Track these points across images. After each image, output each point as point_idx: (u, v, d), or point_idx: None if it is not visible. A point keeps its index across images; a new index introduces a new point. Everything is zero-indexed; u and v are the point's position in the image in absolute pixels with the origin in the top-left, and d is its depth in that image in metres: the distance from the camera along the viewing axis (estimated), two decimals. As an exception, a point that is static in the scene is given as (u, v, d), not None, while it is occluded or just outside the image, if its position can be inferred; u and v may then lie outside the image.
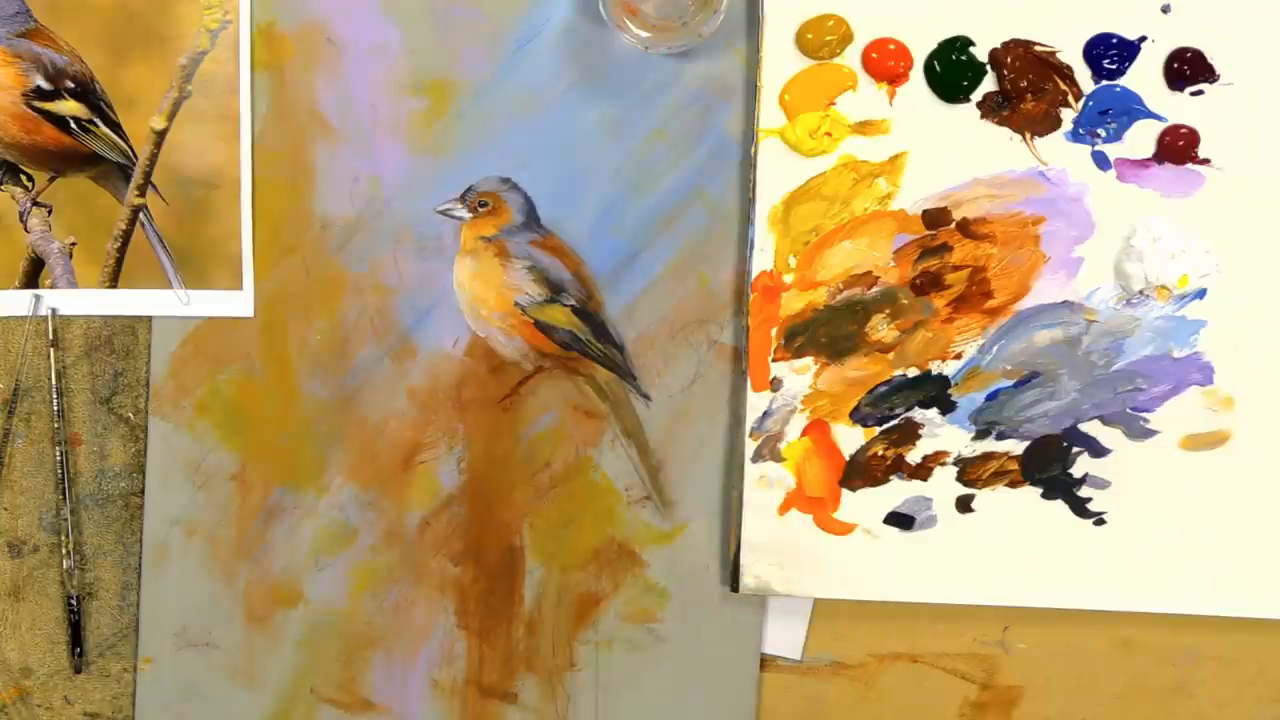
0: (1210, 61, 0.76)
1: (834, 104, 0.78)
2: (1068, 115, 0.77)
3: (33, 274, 0.81)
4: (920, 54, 0.77)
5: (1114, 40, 0.76)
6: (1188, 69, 0.76)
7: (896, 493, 0.80)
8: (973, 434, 0.79)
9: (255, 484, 0.82)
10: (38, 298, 0.81)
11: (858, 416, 0.80)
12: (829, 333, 0.79)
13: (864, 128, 0.78)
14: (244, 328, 0.81)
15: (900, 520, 0.80)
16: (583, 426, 0.81)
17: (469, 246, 0.80)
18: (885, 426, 0.80)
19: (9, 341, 0.81)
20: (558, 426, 0.81)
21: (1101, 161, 0.77)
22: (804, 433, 0.80)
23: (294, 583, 0.82)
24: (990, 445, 0.79)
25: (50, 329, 0.81)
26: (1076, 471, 0.79)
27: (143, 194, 0.80)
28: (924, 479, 0.80)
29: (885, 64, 0.77)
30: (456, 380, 0.81)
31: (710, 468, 0.81)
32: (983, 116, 0.77)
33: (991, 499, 0.80)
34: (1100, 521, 0.80)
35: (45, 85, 0.79)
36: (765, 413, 0.80)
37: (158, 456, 0.81)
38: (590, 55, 0.79)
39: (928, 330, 0.79)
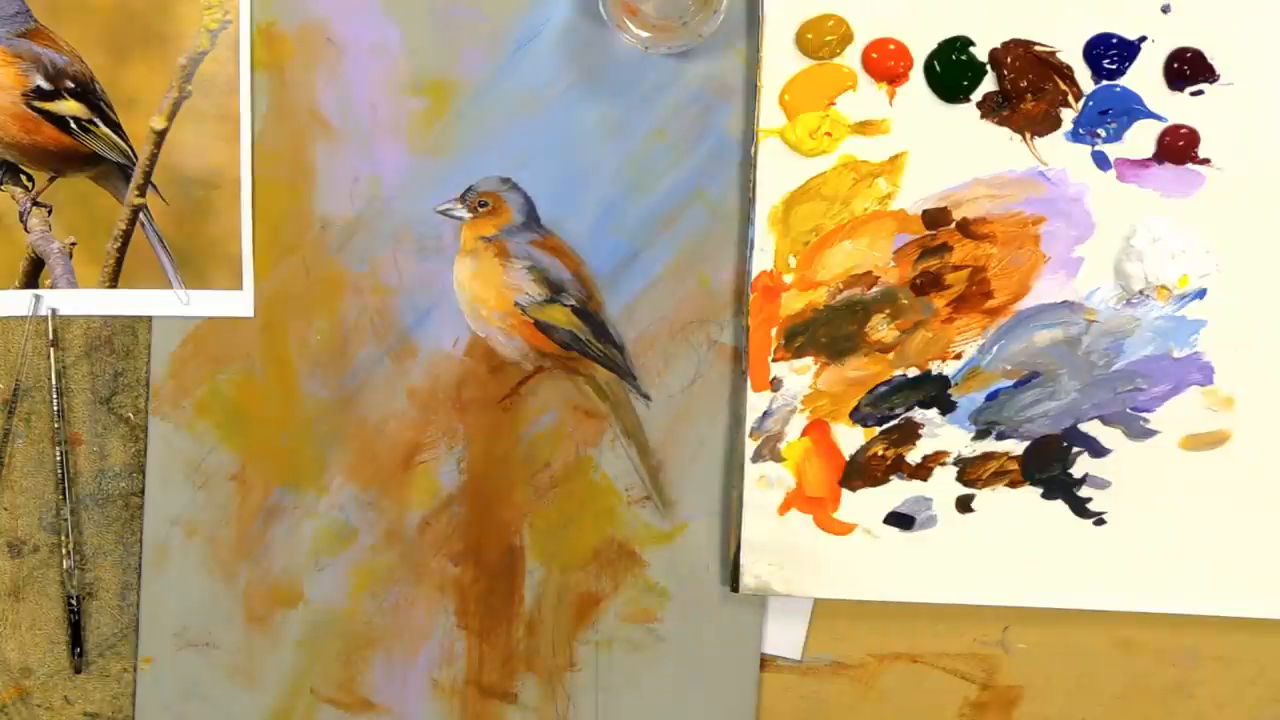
0: (1210, 61, 0.76)
1: (834, 104, 0.78)
2: (1068, 115, 0.77)
3: (33, 274, 0.81)
4: (920, 54, 0.77)
5: (1114, 40, 0.76)
6: (1188, 69, 0.76)
7: (896, 493, 0.80)
8: (973, 434, 0.79)
9: (255, 484, 0.82)
10: (38, 298, 0.81)
11: (858, 416, 0.80)
12: (829, 333, 0.79)
13: (864, 128, 0.78)
14: (244, 328, 0.81)
15: (900, 520, 0.80)
16: (583, 426, 0.81)
17: (469, 246, 0.80)
18: (885, 426, 0.80)
19: (9, 341, 0.81)
20: (558, 426, 0.81)
21: (1101, 161, 0.77)
22: (804, 433, 0.80)
23: (294, 583, 0.82)
24: (990, 445, 0.79)
25: (50, 329, 0.81)
26: (1076, 471, 0.79)
27: (143, 194, 0.80)
28: (924, 479, 0.80)
29: (885, 64, 0.77)
30: (456, 380, 0.81)
31: (710, 468, 0.81)
32: (983, 116, 0.77)
33: (991, 499, 0.80)
34: (1100, 521, 0.80)
35: (45, 85, 0.79)
36: (765, 413, 0.80)
37: (158, 456, 0.81)
38: (590, 55, 0.79)
39: (928, 330, 0.79)
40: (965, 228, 0.78)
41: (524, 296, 0.80)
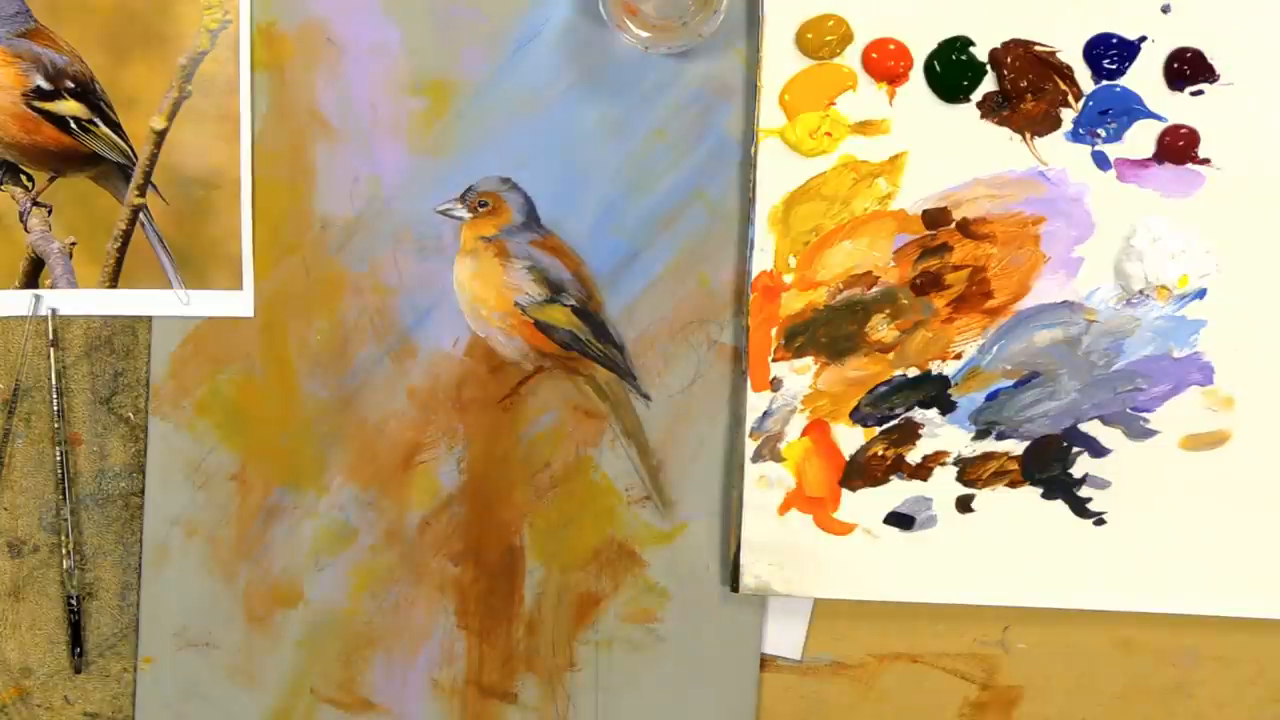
0: (1210, 61, 0.76)
1: (834, 104, 0.78)
2: (1068, 115, 0.77)
3: (33, 274, 0.81)
4: (920, 54, 0.77)
5: (1114, 40, 0.76)
6: (1188, 69, 0.76)
7: (896, 493, 0.80)
8: (973, 434, 0.79)
9: (255, 484, 0.82)
10: (38, 298, 0.81)
11: (858, 416, 0.80)
12: (829, 333, 0.79)
13: (864, 128, 0.78)
14: (244, 328, 0.81)
15: (900, 520, 0.80)
16: (583, 426, 0.81)
17: (469, 246, 0.80)
18: (885, 426, 0.80)
19: (9, 341, 0.81)
20: (558, 426, 0.81)
21: (1101, 161, 0.77)
22: (804, 433, 0.80)
23: (294, 583, 0.82)
24: (990, 445, 0.79)
25: (50, 329, 0.81)
26: (1076, 471, 0.79)
27: (143, 194, 0.80)
28: (924, 479, 0.80)
29: (885, 64, 0.77)
30: (456, 380, 0.81)
31: (710, 468, 0.81)
32: (983, 116, 0.77)
33: (991, 499, 0.80)
34: (1100, 521, 0.80)
35: (45, 85, 0.79)
36: (765, 413, 0.80)
37: (158, 456, 0.81)
38: (590, 55, 0.79)
39: (928, 330, 0.79)
40: (965, 228, 0.78)
41: (524, 296, 0.80)
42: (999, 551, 0.80)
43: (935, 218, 0.78)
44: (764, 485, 0.80)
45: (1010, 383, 0.79)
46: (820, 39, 0.77)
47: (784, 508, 0.80)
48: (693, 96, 0.79)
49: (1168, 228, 0.77)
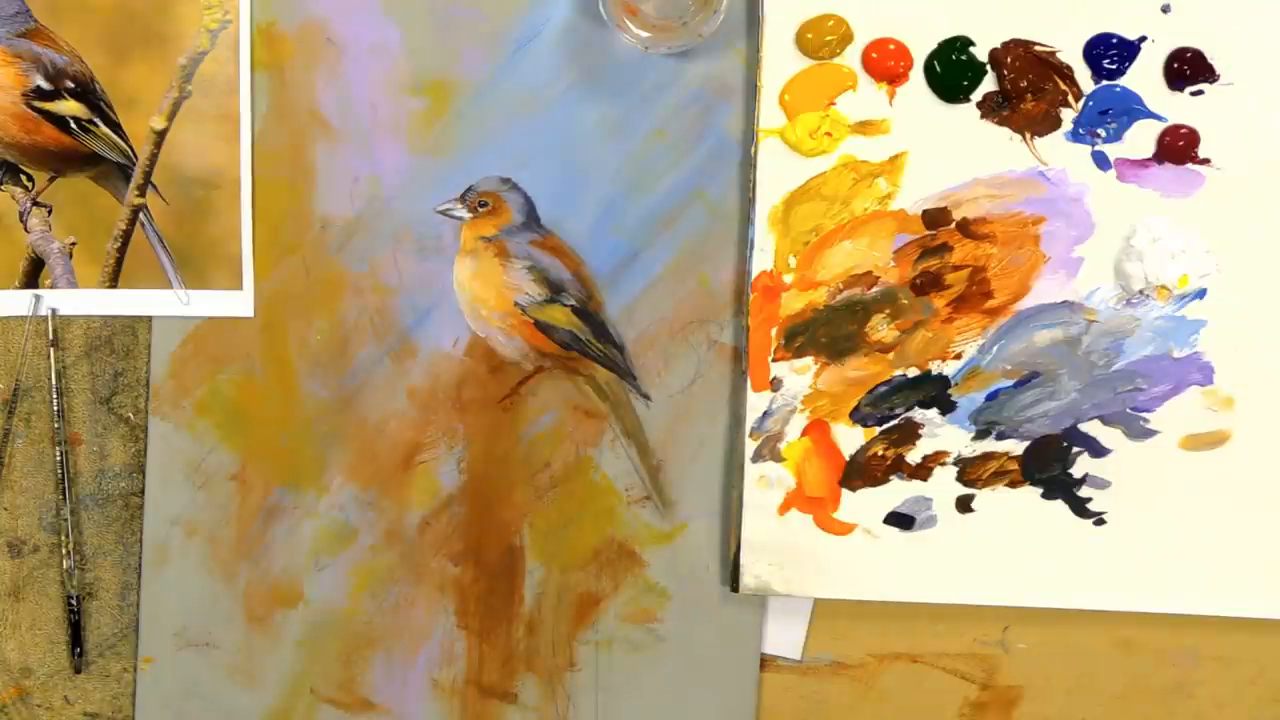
0: (1210, 61, 0.76)
1: (834, 104, 0.78)
2: (1068, 115, 0.77)
3: (33, 274, 0.81)
4: (920, 54, 0.77)
5: (1114, 40, 0.76)
6: (1188, 69, 0.76)
7: (896, 493, 0.80)
8: (973, 434, 0.79)
9: (255, 484, 0.82)
10: (38, 298, 0.81)
11: (858, 416, 0.80)
12: (829, 333, 0.79)
13: (864, 128, 0.78)
14: (244, 328, 0.81)
15: (900, 520, 0.80)
16: (583, 426, 0.81)
17: (469, 246, 0.80)
18: (885, 426, 0.80)
19: (9, 341, 0.81)
20: (558, 426, 0.81)
21: (1101, 161, 0.77)
22: (804, 433, 0.80)
23: (294, 583, 0.82)
24: (990, 445, 0.79)
25: (50, 329, 0.81)
26: (1076, 471, 0.79)
27: (143, 194, 0.80)
28: (924, 479, 0.80)
29: (885, 64, 0.77)
30: (456, 380, 0.81)
31: (710, 468, 0.81)
32: (983, 116, 0.77)
33: (991, 499, 0.80)
34: (1100, 521, 0.80)
35: (45, 85, 0.79)
36: (765, 413, 0.80)
37: (158, 456, 0.81)
38: (590, 55, 0.79)
39: (928, 330, 0.79)
40: (965, 228, 0.78)
41: (524, 296, 0.80)
42: (999, 551, 0.80)
43: (935, 218, 0.78)
44: (764, 485, 0.80)
45: (1010, 383, 0.79)
46: (820, 39, 0.77)
47: (784, 508, 0.80)
48: (693, 96, 0.79)
49: (1168, 228, 0.77)
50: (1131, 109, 0.77)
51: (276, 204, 0.80)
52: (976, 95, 0.77)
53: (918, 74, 0.77)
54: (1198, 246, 0.77)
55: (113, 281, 0.81)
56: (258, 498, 0.82)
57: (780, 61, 0.78)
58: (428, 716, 0.83)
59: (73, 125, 0.79)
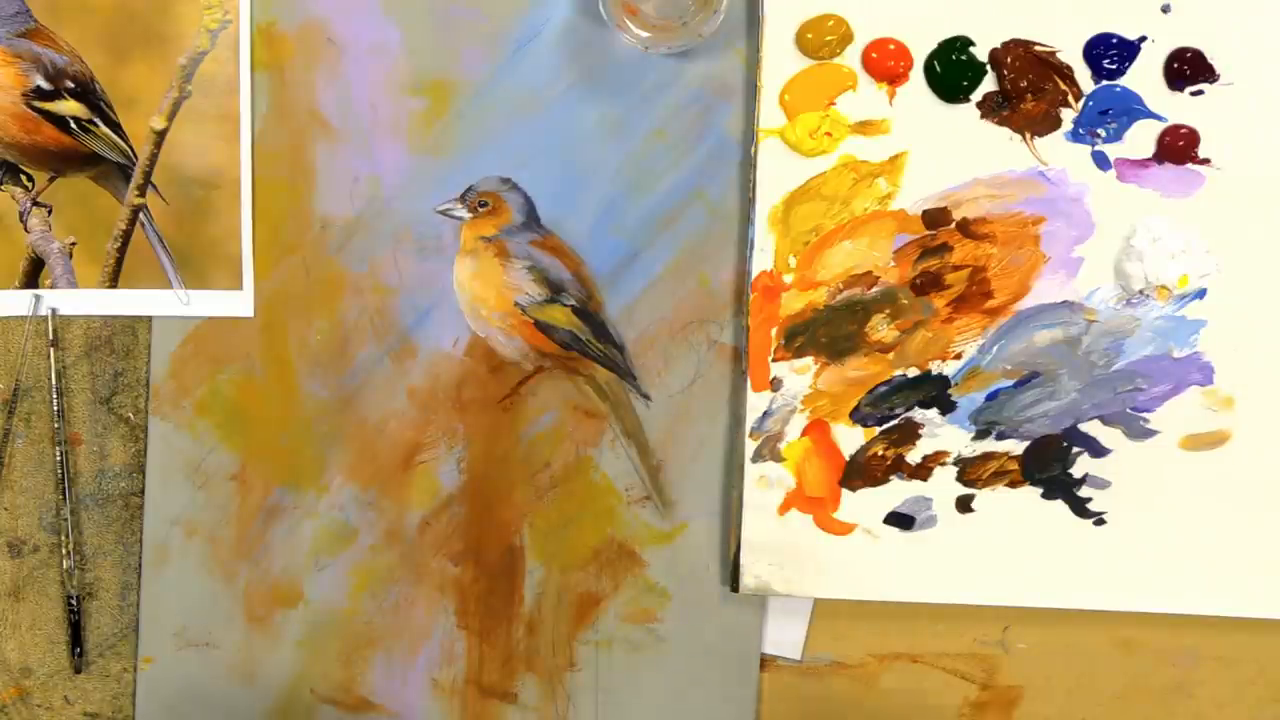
0: (1210, 61, 0.76)
1: (834, 104, 0.78)
2: (1068, 115, 0.77)
3: (33, 274, 0.81)
4: (920, 54, 0.77)
5: (1114, 40, 0.76)
6: (1188, 69, 0.76)
7: (896, 493, 0.80)
8: (973, 434, 0.79)
9: (255, 484, 0.82)
10: (38, 298, 0.81)
11: (858, 416, 0.80)
12: (829, 333, 0.79)
13: (864, 128, 0.78)
14: (244, 328, 0.81)
15: (900, 520, 0.80)
16: (583, 426, 0.81)
17: (469, 246, 0.80)
18: (885, 426, 0.80)
19: (9, 341, 0.81)
20: (558, 426, 0.81)
21: (1101, 161, 0.77)
22: (804, 433, 0.80)
23: (294, 583, 0.82)
24: (990, 445, 0.79)
25: (50, 329, 0.81)
26: (1076, 471, 0.79)
27: (143, 194, 0.80)
28: (924, 479, 0.80)
29: (885, 64, 0.77)
30: (456, 380, 0.81)
31: (710, 468, 0.81)
32: (983, 116, 0.77)
33: (991, 499, 0.80)
34: (1100, 521, 0.80)
35: (45, 85, 0.79)
36: (765, 413, 0.80)
37: (158, 456, 0.81)
38: (590, 55, 0.79)
39: (928, 330, 0.79)
40: (965, 228, 0.78)
41: (524, 296, 0.80)
42: (999, 551, 0.80)
43: (935, 218, 0.78)
44: (764, 485, 0.80)
45: (1010, 383, 0.79)
46: (820, 39, 0.77)
47: (784, 508, 0.80)
48: (693, 96, 0.79)
49: (1168, 228, 0.77)
50: (1131, 109, 0.77)
51: (276, 204, 0.80)
52: (976, 95, 0.77)
53: (918, 74, 0.77)
54: (1198, 246, 0.77)
55: (113, 281, 0.81)
56: (258, 498, 0.82)
57: (780, 61, 0.78)
58: (428, 716, 0.83)
59: (73, 125, 0.79)
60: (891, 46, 0.77)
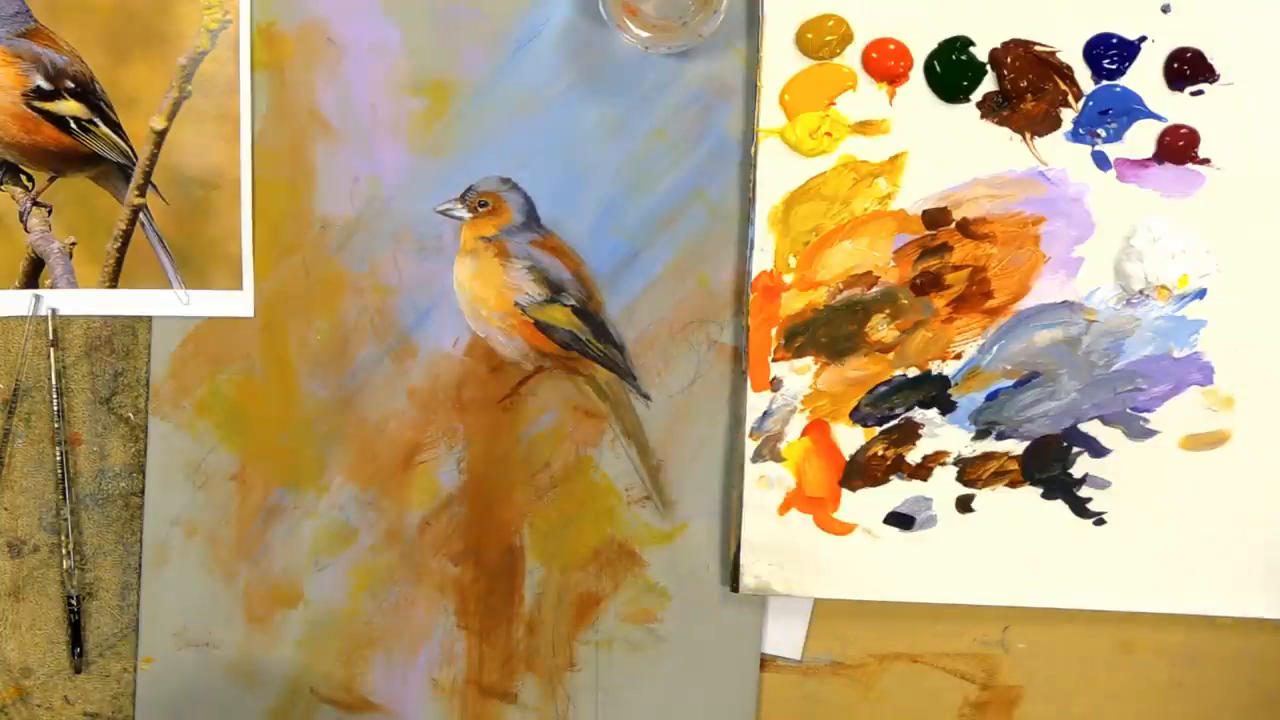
0: (1210, 61, 0.76)
1: (834, 104, 0.78)
2: (1068, 115, 0.77)
3: (33, 274, 0.81)
4: (920, 54, 0.77)
5: (1114, 40, 0.76)
6: (1188, 69, 0.76)
7: (896, 493, 0.80)
8: (973, 434, 0.79)
9: (255, 484, 0.82)
10: (38, 298, 0.81)
11: (858, 416, 0.80)
12: (829, 333, 0.79)
13: (864, 128, 0.78)
14: (244, 328, 0.81)
15: (900, 520, 0.80)
16: (583, 426, 0.81)
17: (469, 246, 0.80)
18: (885, 426, 0.80)
19: (9, 341, 0.81)
20: (558, 426, 0.81)
21: (1101, 161, 0.77)
22: (804, 433, 0.80)
23: (294, 583, 0.82)
24: (990, 445, 0.79)
25: (50, 329, 0.81)
26: (1076, 471, 0.79)
27: (143, 194, 0.80)
28: (924, 479, 0.80)
29: (885, 64, 0.77)
30: (456, 380, 0.81)
31: (710, 468, 0.81)
32: (983, 116, 0.77)
33: (991, 499, 0.80)
34: (1100, 521, 0.80)
35: (45, 85, 0.79)
36: (765, 413, 0.80)
37: (158, 456, 0.81)
38: (590, 55, 0.79)
39: (928, 330, 0.79)
40: (965, 228, 0.78)
41: (524, 296, 0.80)
42: (999, 551, 0.80)
43: (935, 218, 0.78)
44: (764, 485, 0.80)
45: (1010, 383, 0.79)
46: (820, 39, 0.77)
47: (784, 508, 0.80)
48: (693, 96, 0.79)
49: (1168, 228, 0.77)
50: (1131, 109, 0.77)
51: (276, 204, 0.80)
52: (976, 95, 0.77)
53: (918, 74, 0.77)
54: (1198, 246, 0.77)
55: (113, 281, 0.81)
56: (258, 498, 0.82)
57: (780, 61, 0.78)
58: (428, 716, 0.83)
59: (73, 125, 0.79)
60: (891, 46, 0.77)
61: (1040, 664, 0.83)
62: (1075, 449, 0.79)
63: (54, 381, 0.81)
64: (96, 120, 0.79)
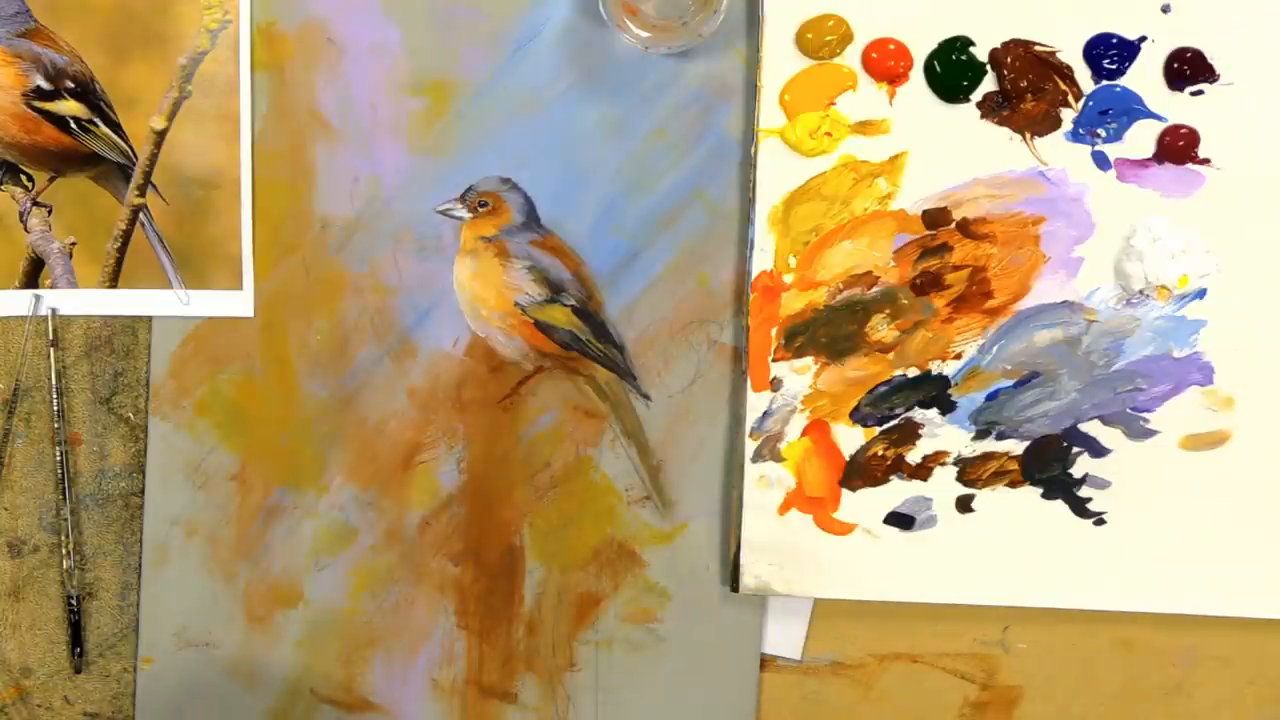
0: (1210, 61, 0.76)
1: (834, 104, 0.78)
2: (1068, 115, 0.77)
3: (33, 274, 0.81)
4: (920, 54, 0.77)
5: (1114, 40, 0.76)
6: (1188, 69, 0.76)
7: (896, 493, 0.80)
8: (973, 434, 0.79)
9: (255, 484, 0.82)
10: (38, 298, 0.81)
11: (858, 416, 0.80)
12: (829, 333, 0.79)
13: (864, 128, 0.78)
14: (244, 328, 0.81)
15: (900, 520, 0.80)
16: (583, 426, 0.81)
17: (469, 246, 0.80)
18: (885, 426, 0.80)
19: (9, 341, 0.81)
20: (558, 426, 0.81)
21: (1101, 161, 0.77)
22: (804, 433, 0.80)
23: (294, 583, 0.82)
24: (990, 445, 0.79)
25: (50, 329, 0.81)
26: (1076, 471, 0.79)
27: (143, 194, 0.80)
28: (924, 479, 0.80)
29: (885, 64, 0.77)
30: (456, 380, 0.81)
31: (710, 468, 0.81)
32: (983, 116, 0.77)
33: (991, 499, 0.80)
34: (1100, 521, 0.80)
35: (45, 85, 0.79)
36: (765, 413, 0.80)
37: (158, 456, 0.81)
38: (590, 55, 0.79)
39: (928, 330, 0.79)
40: (965, 228, 0.78)
41: (524, 296, 0.80)
42: (999, 551, 0.80)
43: (935, 218, 0.78)
44: (764, 485, 0.80)
45: (1010, 383, 0.79)
46: (820, 39, 0.77)
47: (784, 508, 0.80)
48: (693, 96, 0.79)
49: (1168, 228, 0.77)
50: (1131, 109, 0.77)
51: (276, 204, 0.80)
52: (976, 95, 0.77)
53: (918, 74, 0.77)
54: (1198, 246, 0.77)
55: (113, 281, 0.81)
56: (258, 498, 0.82)
57: (780, 61, 0.78)
58: (428, 716, 0.83)
59: (73, 125, 0.79)
60: (891, 46, 0.77)
61: (1040, 664, 0.83)
62: (1075, 449, 0.79)
63: (54, 381, 0.81)
64: (96, 120, 0.79)
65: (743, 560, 0.80)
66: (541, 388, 0.81)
